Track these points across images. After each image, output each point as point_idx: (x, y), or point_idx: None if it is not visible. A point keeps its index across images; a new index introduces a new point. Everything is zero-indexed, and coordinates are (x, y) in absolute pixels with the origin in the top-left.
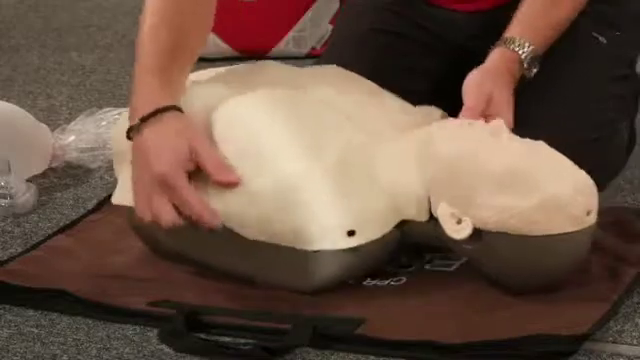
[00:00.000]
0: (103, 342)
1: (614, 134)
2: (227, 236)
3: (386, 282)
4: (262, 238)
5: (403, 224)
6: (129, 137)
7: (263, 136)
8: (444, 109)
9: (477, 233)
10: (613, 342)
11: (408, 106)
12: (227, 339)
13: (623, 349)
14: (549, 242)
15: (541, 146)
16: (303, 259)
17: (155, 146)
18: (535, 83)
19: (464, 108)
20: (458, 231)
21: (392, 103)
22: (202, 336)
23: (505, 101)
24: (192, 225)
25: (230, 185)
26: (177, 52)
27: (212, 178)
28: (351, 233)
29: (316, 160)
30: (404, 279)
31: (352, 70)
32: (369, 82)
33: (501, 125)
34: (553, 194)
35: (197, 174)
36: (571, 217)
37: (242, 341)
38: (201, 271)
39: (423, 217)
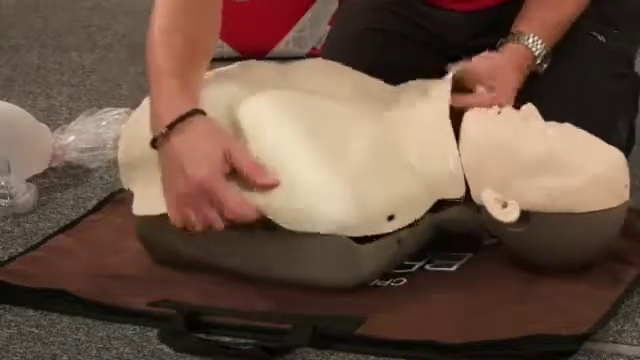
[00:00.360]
0: (103, 342)
1: (611, 131)
2: (270, 236)
3: (386, 283)
4: (305, 228)
5: (440, 209)
6: (154, 146)
7: (290, 138)
8: None
9: (525, 215)
10: (613, 342)
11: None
12: (227, 339)
13: (623, 349)
14: (595, 218)
15: (571, 127)
16: (350, 251)
17: (188, 152)
18: (533, 81)
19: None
20: (506, 214)
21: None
22: (202, 336)
23: (508, 81)
24: (233, 227)
25: (267, 187)
26: (191, 55)
27: (250, 180)
28: (391, 217)
29: (343, 159)
30: (404, 280)
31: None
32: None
33: (532, 110)
34: (597, 172)
35: (230, 176)
36: (614, 192)
37: (242, 341)
38: (201, 271)
39: (458, 194)
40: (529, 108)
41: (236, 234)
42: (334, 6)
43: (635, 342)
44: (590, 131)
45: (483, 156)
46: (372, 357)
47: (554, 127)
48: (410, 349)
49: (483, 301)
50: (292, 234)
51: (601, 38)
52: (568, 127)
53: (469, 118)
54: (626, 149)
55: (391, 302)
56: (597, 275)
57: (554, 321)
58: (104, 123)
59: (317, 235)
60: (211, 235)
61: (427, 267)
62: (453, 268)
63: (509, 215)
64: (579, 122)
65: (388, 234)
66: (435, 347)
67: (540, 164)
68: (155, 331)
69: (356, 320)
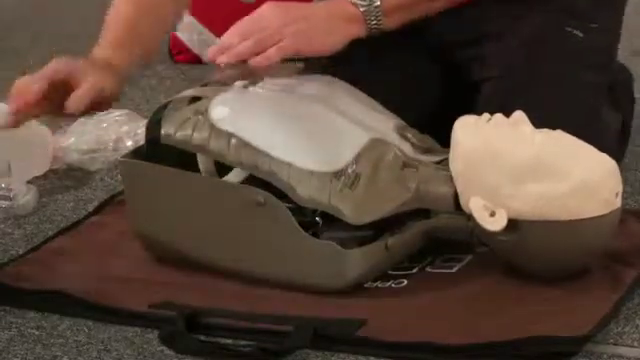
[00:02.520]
0: (104, 344)
1: (595, 122)
2: (257, 235)
3: (387, 284)
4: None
5: (430, 216)
6: None
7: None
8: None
9: (512, 223)
10: (614, 344)
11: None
12: (228, 341)
13: (623, 351)
14: (583, 226)
15: (561, 134)
16: (336, 255)
17: None
18: (511, 82)
19: None
20: (493, 223)
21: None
22: (203, 338)
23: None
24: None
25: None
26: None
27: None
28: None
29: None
30: (405, 281)
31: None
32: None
33: (521, 116)
34: (585, 179)
35: None
36: (602, 200)
37: (243, 343)
38: (202, 273)
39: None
40: (519, 114)
41: (224, 230)
42: None
43: (636, 344)
44: (573, 123)
45: (472, 163)
46: (372, 359)
47: (543, 133)
48: (411, 351)
49: (484, 303)
50: (278, 235)
51: (577, 32)
52: (558, 133)
53: (458, 125)
54: (618, 142)
55: (392, 304)
56: (597, 276)
57: (555, 323)
58: (105, 125)
59: (303, 237)
60: (199, 230)
61: (428, 269)
62: (454, 270)
63: (496, 224)
64: (560, 115)
65: (376, 240)
66: (436, 349)
67: (528, 170)
68: (156, 333)
69: (357, 322)
